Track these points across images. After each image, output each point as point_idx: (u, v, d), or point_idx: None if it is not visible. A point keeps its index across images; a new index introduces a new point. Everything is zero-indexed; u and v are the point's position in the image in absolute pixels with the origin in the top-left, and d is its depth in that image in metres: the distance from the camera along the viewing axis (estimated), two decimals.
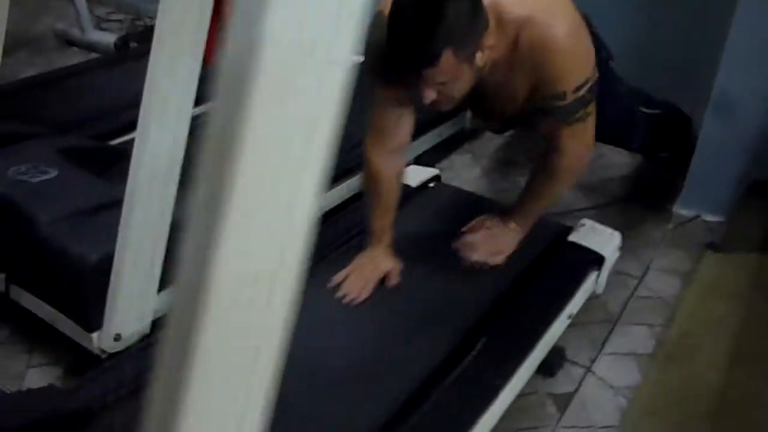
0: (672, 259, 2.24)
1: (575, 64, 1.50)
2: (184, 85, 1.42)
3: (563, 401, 1.70)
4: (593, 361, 1.83)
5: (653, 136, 2.30)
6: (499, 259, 1.73)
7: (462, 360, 1.50)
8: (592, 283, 1.82)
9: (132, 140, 1.49)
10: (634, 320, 1.98)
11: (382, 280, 1.66)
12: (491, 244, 1.75)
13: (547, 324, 1.63)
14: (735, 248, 2.30)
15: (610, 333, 1.92)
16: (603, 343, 1.89)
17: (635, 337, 1.92)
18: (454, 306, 1.65)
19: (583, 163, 1.69)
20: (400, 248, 1.72)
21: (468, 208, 1.95)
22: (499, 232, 1.77)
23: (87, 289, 1.57)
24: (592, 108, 1.56)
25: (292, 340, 0.60)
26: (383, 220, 1.69)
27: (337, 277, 1.66)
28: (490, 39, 1.41)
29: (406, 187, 1.92)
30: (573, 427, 1.64)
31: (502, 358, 1.53)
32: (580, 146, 1.62)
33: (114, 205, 1.56)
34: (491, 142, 2.77)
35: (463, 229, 1.80)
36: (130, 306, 1.57)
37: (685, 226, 2.36)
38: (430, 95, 1.39)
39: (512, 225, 1.77)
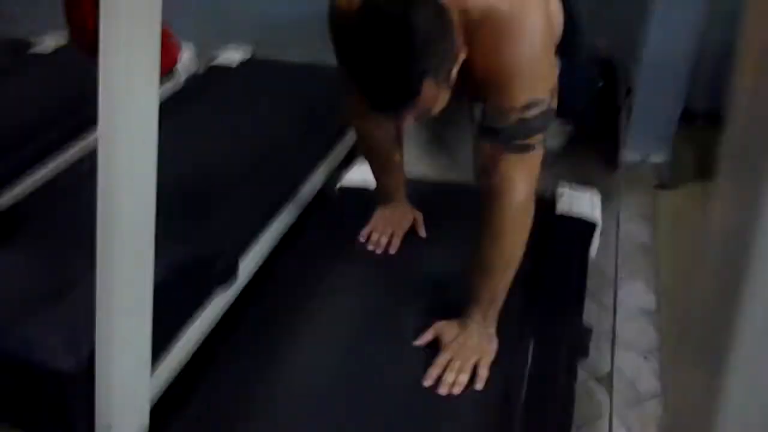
0: (635, 204, 2.26)
1: (530, 76, 1.22)
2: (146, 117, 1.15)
3: (607, 383, 1.63)
4: (614, 331, 1.78)
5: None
6: (484, 373, 1.32)
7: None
8: (593, 252, 1.76)
9: None
10: (629, 276, 1.96)
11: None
12: (465, 362, 1.33)
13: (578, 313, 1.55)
14: (679, 182, 2.36)
15: (615, 297, 1.88)
16: (614, 309, 1.84)
17: (638, 293, 1.90)
18: None
19: (530, 206, 1.32)
20: None
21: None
22: (465, 341, 1.34)
23: (69, 405, 1.28)
24: (538, 139, 1.27)
25: None
26: (390, 178, 1.68)
27: (365, 231, 1.68)
28: (459, 45, 1.18)
29: None
30: (626, 406, 1.58)
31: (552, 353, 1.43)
32: (523, 184, 1.28)
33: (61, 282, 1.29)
34: None
35: (422, 343, 1.39)
36: (124, 408, 1.30)
37: (635, 170, 2.37)
38: (406, 123, 1.28)
39: (476, 320, 1.35)
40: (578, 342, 1.48)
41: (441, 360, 1.32)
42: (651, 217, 2.21)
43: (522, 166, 1.28)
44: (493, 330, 1.37)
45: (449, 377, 1.30)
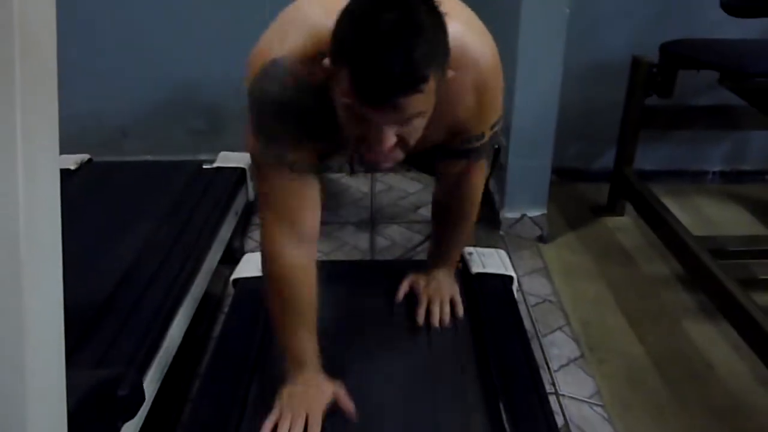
0: (524, 258, 2.28)
1: (498, 103, 1.30)
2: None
3: None
4: (554, 383, 1.72)
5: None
6: (460, 301, 1.59)
7: None
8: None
9: None
10: (547, 329, 1.93)
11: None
12: (443, 298, 1.58)
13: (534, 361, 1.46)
14: (554, 234, 2.44)
15: (542, 348, 1.84)
16: (547, 362, 1.79)
17: (561, 343, 1.87)
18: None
19: (480, 197, 1.53)
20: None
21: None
22: (438, 285, 1.59)
23: None
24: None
25: None
26: (304, 336, 1.29)
27: (266, 426, 1.24)
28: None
29: None
30: None
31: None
32: (481, 177, 1.47)
33: None
34: None
35: (400, 296, 1.60)
36: None
37: (515, 227, 2.41)
38: (390, 138, 1.05)
39: (443, 270, 1.62)
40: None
41: (422, 303, 1.56)
42: (542, 269, 2.23)
43: (482, 167, 1.45)
44: (453, 277, 1.63)
45: (435, 311, 1.54)
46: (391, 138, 1.06)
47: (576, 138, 2.77)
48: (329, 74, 1.06)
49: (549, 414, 1.31)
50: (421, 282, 1.60)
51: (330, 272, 1.54)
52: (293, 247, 1.26)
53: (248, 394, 1.38)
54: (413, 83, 0.98)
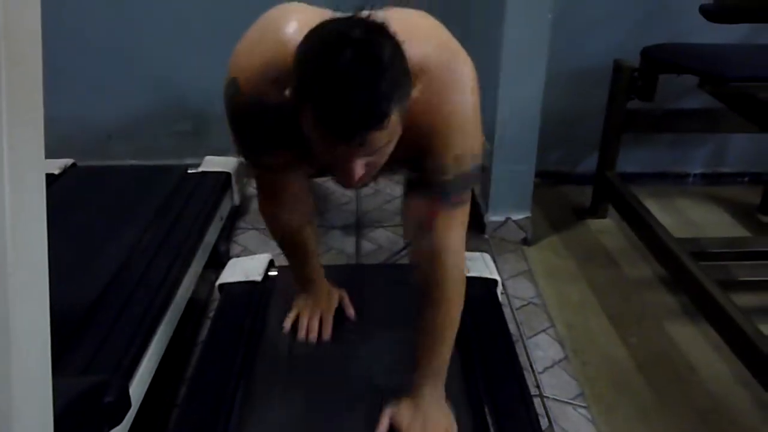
0: (509, 261, 2.30)
1: (467, 131, 1.18)
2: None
3: None
4: (539, 385, 1.73)
5: None
6: None
7: None
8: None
9: None
10: (532, 331, 1.95)
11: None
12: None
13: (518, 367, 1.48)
14: (538, 237, 2.46)
15: (527, 350, 1.86)
16: (531, 365, 1.81)
17: (545, 346, 1.89)
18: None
19: (463, 262, 1.27)
20: None
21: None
22: (426, 422, 1.26)
23: None
24: (469, 194, 1.24)
25: None
26: (310, 263, 1.54)
27: (290, 317, 1.56)
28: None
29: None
30: None
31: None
32: (458, 240, 1.23)
33: None
34: None
35: None
36: None
37: (499, 230, 2.42)
38: (359, 169, 1.04)
39: (428, 393, 1.28)
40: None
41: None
42: (526, 271, 2.25)
43: (456, 222, 1.22)
44: (443, 399, 1.29)
45: None
46: (359, 169, 1.05)
47: (559, 141, 2.80)
48: (294, 103, 1.04)
49: (534, 416, 1.33)
50: (404, 416, 1.26)
51: None
52: (284, 214, 1.41)
53: (235, 399, 1.38)
54: (377, 120, 0.97)
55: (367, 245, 2.37)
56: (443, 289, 1.24)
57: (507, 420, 1.31)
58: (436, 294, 1.24)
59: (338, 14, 1.10)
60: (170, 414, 1.61)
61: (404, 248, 2.29)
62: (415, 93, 1.06)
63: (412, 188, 1.25)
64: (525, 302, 2.09)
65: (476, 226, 2.43)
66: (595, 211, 2.62)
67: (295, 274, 1.59)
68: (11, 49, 0.83)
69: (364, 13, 1.02)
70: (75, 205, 2.13)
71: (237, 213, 2.53)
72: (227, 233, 2.38)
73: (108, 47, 2.65)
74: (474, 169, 1.20)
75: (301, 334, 1.52)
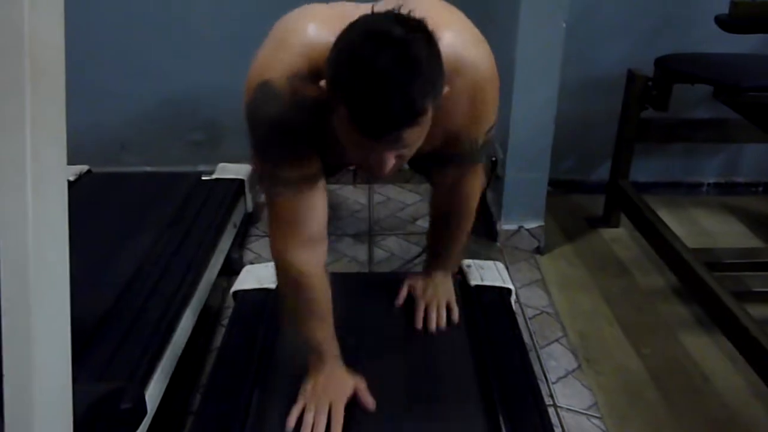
0: (521, 270, 2.30)
1: (493, 109, 1.32)
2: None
3: None
4: (552, 395, 1.73)
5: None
6: (455, 308, 1.63)
7: None
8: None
9: None
10: (545, 341, 1.95)
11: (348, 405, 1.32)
12: (440, 303, 1.63)
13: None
14: (551, 246, 2.46)
15: (540, 360, 1.85)
16: (544, 374, 1.80)
17: (559, 355, 1.88)
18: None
19: (477, 196, 1.56)
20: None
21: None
22: (435, 290, 1.64)
23: None
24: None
25: None
26: (324, 331, 1.34)
27: (295, 411, 1.30)
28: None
29: None
30: None
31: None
32: (478, 181, 1.51)
33: None
34: None
35: (400, 300, 1.66)
36: None
37: (512, 238, 2.42)
38: (390, 162, 1.08)
39: (441, 274, 1.66)
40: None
41: (420, 307, 1.61)
42: (539, 280, 2.25)
43: (478, 171, 1.48)
44: (450, 278, 1.68)
45: (432, 316, 1.59)
46: (390, 162, 1.10)
47: (572, 150, 2.80)
48: (327, 98, 1.07)
49: (548, 427, 1.32)
50: (419, 285, 1.65)
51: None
52: (301, 253, 1.29)
53: (249, 406, 1.38)
54: (412, 119, 1.01)
55: (379, 253, 2.38)
56: (466, 210, 1.53)
57: (522, 430, 1.31)
58: (455, 208, 1.52)
59: (361, 7, 1.12)
60: (185, 421, 1.62)
61: (418, 256, 2.30)
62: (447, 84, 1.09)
63: (443, 163, 1.41)
64: (538, 311, 2.09)
65: (489, 235, 2.44)
66: (608, 220, 2.61)
67: (304, 346, 1.36)
68: (35, 59, 0.85)
69: (402, 8, 1.03)
70: (90, 211, 2.15)
71: (250, 220, 2.54)
72: (240, 240, 2.39)
73: (122, 56, 2.68)
74: (494, 130, 1.37)
75: None
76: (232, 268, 2.13)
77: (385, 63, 0.97)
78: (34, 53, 0.85)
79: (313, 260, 1.30)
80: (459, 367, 1.48)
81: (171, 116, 2.81)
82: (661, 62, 2.31)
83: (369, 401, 1.33)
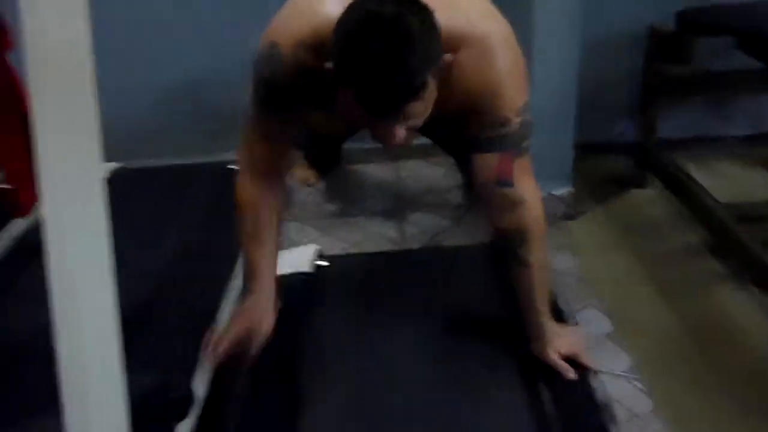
0: (552, 237, 2.29)
1: (516, 83, 1.28)
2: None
3: None
4: None
5: None
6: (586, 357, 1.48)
7: None
8: None
9: None
10: (579, 305, 1.95)
11: None
12: (567, 348, 1.46)
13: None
14: (580, 210, 2.45)
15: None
16: None
17: (594, 319, 1.90)
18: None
19: (541, 205, 1.39)
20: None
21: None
22: (561, 335, 1.46)
23: None
24: (529, 144, 1.34)
25: None
26: (258, 254, 1.45)
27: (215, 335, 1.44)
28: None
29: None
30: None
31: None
32: (534, 185, 1.37)
33: None
34: None
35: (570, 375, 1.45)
36: None
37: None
38: (400, 135, 1.14)
39: (548, 323, 1.45)
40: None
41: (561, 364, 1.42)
42: (570, 245, 2.25)
43: (529, 169, 1.35)
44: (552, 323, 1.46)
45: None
46: (400, 135, 1.15)
47: (596, 111, 2.76)
48: (333, 75, 1.13)
49: (590, 390, 1.34)
50: (551, 348, 1.44)
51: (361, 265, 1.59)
52: (257, 185, 1.44)
53: (289, 388, 1.41)
54: (413, 92, 1.07)
55: (410, 228, 2.39)
56: (533, 233, 1.35)
57: (566, 397, 1.33)
58: (527, 238, 1.35)
59: None
60: (233, 406, 1.66)
61: (447, 229, 2.31)
62: (456, 57, 1.15)
63: (475, 148, 1.31)
64: (571, 277, 2.09)
65: None
66: (637, 180, 2.59)
67: (245, 268, 1.50)
68: (64, 58, 0.87)
69: None
70: (122, 205, 2.19)
71: None
72: None
73: (134, 45, 2.69)
74: (528, 112, 1.30)
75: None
76: None
77: (378, 43, 1.03)
78: (63, 52, 0.87)
79: (267, 195, 1.44)
80: (497, 338, 1.50)
81: (189, 107, 2.84)
82: (682, 16, 2.27)
83: (253, 345, 1.41)
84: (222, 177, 2.38)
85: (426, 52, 1.06)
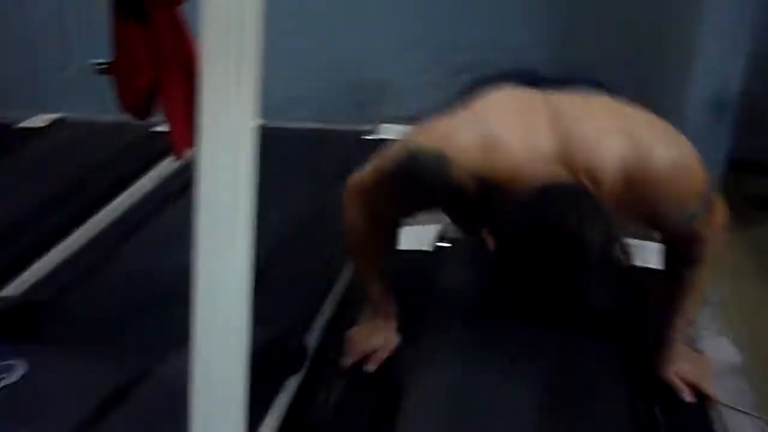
0: None
1: (695, 190, 1.25)
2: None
3: None
4: None
5: None
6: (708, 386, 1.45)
7: None
8: None
9: None
10: (707, 333, 1.84)
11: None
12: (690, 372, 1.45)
13: None
14: None
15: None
16: None
17: (722, 350, 1.78)
18: None
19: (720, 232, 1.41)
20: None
21: None
22: (690, 359, 1.46)
23: None
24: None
25: None
26: (377, 287, 1.46)
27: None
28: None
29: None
30: None
31: None
32: (717, 216, 1.38)
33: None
34: None
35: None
36: None
37: None
38: None
39: (680, 345, 1.45)
40: None
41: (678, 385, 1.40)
42: None
43: (709, 213, 1.32)
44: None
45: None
46: None
47: (748, 127, 2.58)
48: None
49: (708, 423, 1.27)
50: (679, 369, 1.44)
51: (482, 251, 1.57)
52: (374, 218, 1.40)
53: (404, 358, 1.41)
54: None
55: None
56: (705, 257, 1.35)
57: (680, 425, 1.26)
58: (697, 261, 1.35)
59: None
60: (334, 371, 1.69)
61: None
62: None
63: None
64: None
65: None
66: None
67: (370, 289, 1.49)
68: (233, 20, 0.90)
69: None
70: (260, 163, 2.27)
71: None
72: None
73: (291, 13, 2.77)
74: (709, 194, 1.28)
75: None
76: None
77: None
78: (238, 20, 0.90)
79: (382, 225, 1.42)
80: (608, 352, 1.44)
81: (335, 75, 2.89)
82: None
83: (374, 360, 1.42)
84: (354, 145, 2.42)
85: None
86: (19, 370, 1.20)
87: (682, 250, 1.34)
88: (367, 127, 2.61)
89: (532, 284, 1.11)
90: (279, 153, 2.38)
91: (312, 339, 1.53)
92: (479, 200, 1.15)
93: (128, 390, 1.24)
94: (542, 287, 1.10)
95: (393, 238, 1.49)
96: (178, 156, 1.41)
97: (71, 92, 2.90)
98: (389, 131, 2.53)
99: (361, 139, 2.49)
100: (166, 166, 2.26)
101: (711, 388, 1.38)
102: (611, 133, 1.15)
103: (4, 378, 1.18)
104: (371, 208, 1.38)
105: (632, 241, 1.77)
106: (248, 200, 1.01)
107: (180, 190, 2.00)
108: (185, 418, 0.99)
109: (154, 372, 1.29)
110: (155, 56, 1.35)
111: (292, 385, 1.41)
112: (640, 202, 1.18)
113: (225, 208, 0.98)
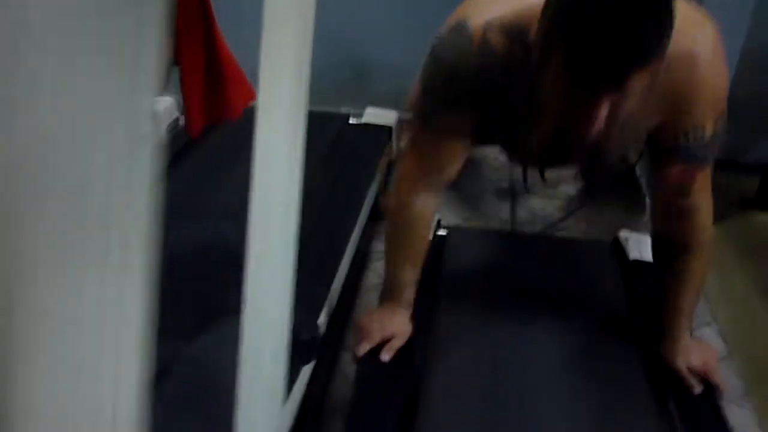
0: None
1: (717, 93, 1.18)
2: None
3: None
4: None
5: None
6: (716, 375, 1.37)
7: None
8: None
9: None
10: (695, 324, 1.90)
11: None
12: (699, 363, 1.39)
13: None
14: None
15: None
16: None
17: (709, 340, 1.85)
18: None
19: (711, 217, 1.35)
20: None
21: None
22: (693, 349, 1.39)
23: None
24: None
25: None
26: (410, 274, 1.38)
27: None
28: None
29: None
30: None
31: None
32: (709, 195, 1.31)
33: None
34: None
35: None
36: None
37: None
38: (602, 117, 0.99)
39: (686, 333, 1.39)
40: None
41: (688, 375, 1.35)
42: None
43: (708, 180, 1.28)
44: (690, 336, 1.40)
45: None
46: (602, 116, 1.00)
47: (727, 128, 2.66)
48: (532, 53, 1.05)
49: (718, 410, 1.31)
50: (681, 357, 1.37)
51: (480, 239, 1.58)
52: (424, 197, 1.32)
53: (415, 345, 1.42)
54: (642, 59, 0.94)
55: (522, 213, 2.37)
56: (698, 244, 1.32)
57: (697, 421, 1.30)
58: (690, 249, 1.32)
59: None
60: (340, 356, 1.70)
61: (561, 220, 2.28)
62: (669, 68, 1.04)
63: (665, 156, 1.23)
64: None
65: (639, 207, 2.37)
66: (762, 203, 2.50)
67: (391, 280, 1.41)
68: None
69: None
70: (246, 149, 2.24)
71: (391, 169, 2.57)
72: (384, 188, 2.43)
73: None
74: (722, 122, 1.21)
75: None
76: (377, 215, 2.18)
77: (622, 7, 0.92)
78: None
79: (430, 207, 1.34)
80: (620, 348, 1.46)
81: (321, 54, 2.85)
82: None
83: (389, 350, 1.34)
84: (342, 129, 2.40)
85: (664, 18, 0.95)
86: None
87: (676, 208, 1.29)
88: (354, 110, 2.59)
89: None
90: None
91: (321, 326, 1.52)
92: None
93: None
94: None
95: (434, 216, 1.44)
96: (192, 135, 1.38)
97: None
98: (378, 117, 2.51)
99: (349, 123, 2.47)
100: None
101: (718, 376, 1.38)
102: None
103: None
104: (424, 161, 1.29)
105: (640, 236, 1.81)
106: (297, 177, 1.04)
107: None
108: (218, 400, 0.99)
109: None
110: (175, 22, 1.30)
111: (305, 373, 1.40)
112: (661, 96, 1.12)
113: (277, 186, 1.02)
